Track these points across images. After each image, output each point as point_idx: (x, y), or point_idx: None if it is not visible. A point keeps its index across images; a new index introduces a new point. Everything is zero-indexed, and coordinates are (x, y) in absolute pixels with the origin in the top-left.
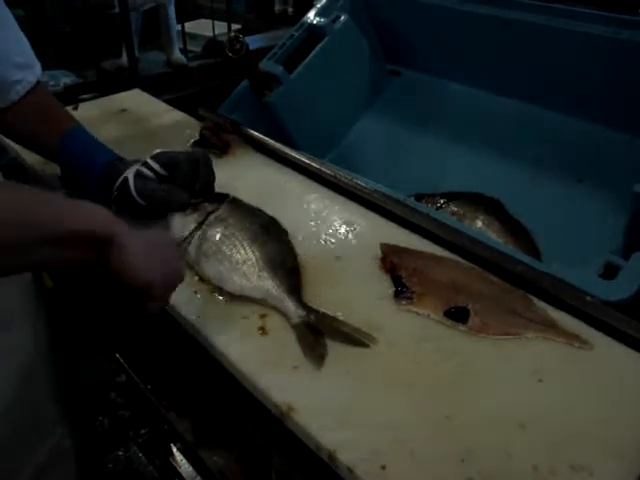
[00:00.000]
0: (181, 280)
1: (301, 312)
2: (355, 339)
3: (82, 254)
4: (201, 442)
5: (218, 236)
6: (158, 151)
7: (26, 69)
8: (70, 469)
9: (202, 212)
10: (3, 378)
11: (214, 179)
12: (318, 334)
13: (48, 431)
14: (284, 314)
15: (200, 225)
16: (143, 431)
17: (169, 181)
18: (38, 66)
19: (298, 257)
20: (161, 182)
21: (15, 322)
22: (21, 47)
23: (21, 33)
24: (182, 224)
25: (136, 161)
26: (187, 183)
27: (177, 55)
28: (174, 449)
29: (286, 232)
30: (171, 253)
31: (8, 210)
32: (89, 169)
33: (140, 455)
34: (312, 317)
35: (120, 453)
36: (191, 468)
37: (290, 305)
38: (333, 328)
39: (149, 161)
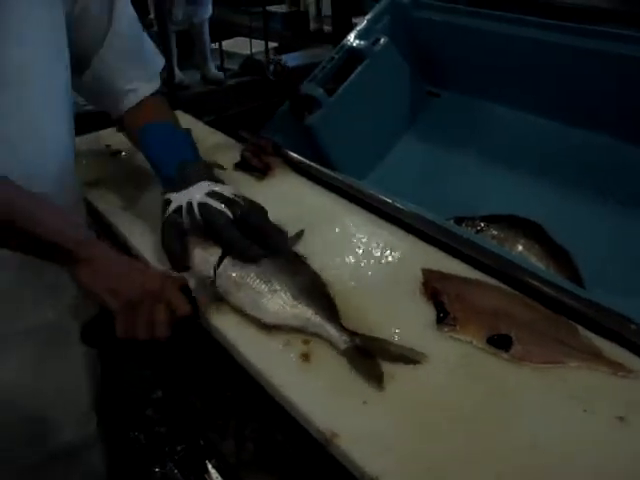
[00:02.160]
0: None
1: (346, 337)
2: (405, 357)
3: (56, 260)
4: (242, 463)
5: (245, 269)
6: (217, 189)
7: (144, 81)
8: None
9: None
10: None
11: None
12: (369, 356)
13: (82, 419)
14: (328, 341)
15: (221, 260)
16: (179, 447)
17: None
18: (156, 80)
19: (339, 281)
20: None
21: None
22: (144, 61)
23: (149, 47)
24: (204, 258)
25: (198, 175)
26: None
27: (213, 71)
28: (209, 466)
29: (307, 263)
30: (143, 279)
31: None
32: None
33: (176, 472)
34: (358, 341)
35: (156, 469)
36: None
37: (333, 331)
38: (381, 348)
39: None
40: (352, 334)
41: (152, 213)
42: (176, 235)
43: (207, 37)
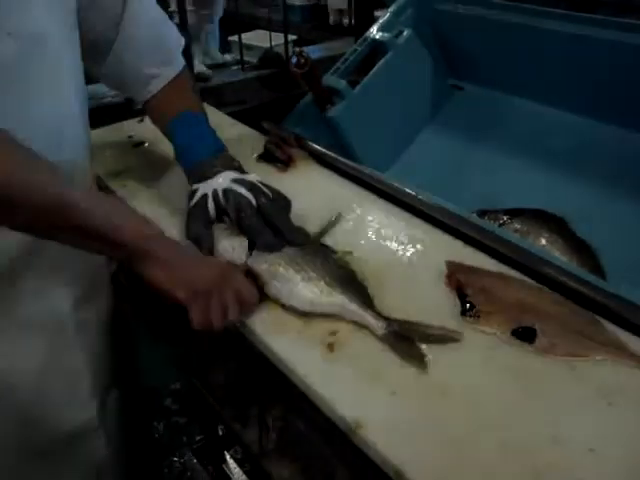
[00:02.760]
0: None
1: (382, 323)
2: (443, 337)
3: (118, 255)
4: (265, 453)
5: (277, 258)
6: (242, 177)
7: (165, 65)
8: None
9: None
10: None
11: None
12: (408, 340)
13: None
14: (366, 327)
15: (251, 250)
16: (198, 438)
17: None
18: (177, 62)
19: (362, 274)
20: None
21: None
22: (163, 44)
23: (168, 29)
24: (229, 247)
25: (224, 166)
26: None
27: (218, 54)
28: (227, 456)
29: (335, 251)
30: (209, 268)
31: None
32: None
33: (194, 461)
34: (395, 326)
35: (175, 458)
36: (244, 476)
37: (369, 318)
38: (418, 331)
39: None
40: (389, 319)
41: (176, 204)
42: (202, 223)
43: (217, 18)
